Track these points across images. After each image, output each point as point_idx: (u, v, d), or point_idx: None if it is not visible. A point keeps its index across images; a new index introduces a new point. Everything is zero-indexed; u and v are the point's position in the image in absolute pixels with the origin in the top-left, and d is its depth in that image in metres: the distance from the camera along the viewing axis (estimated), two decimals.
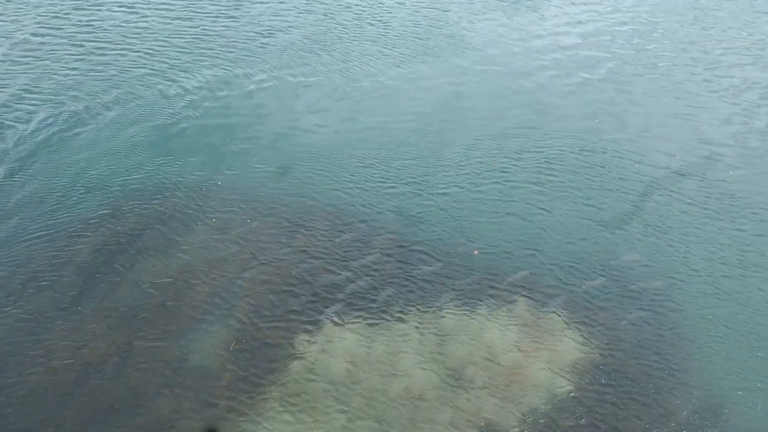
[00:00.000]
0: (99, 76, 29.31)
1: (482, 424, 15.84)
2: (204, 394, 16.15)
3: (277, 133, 26.16)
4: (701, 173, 24.94)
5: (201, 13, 36.04)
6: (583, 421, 16.02)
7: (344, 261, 20.12)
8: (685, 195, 23.63)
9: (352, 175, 23.79)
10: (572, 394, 16.60)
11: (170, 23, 34.56)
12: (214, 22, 34.91)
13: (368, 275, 19.65)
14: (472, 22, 36.13)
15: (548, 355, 17.48)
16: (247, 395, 16.19)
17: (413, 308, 18.65)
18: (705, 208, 23.02)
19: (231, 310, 18.32)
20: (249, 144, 25.40)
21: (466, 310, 18.68)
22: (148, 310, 18.20)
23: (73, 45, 31.96)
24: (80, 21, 34.49)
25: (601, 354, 17.65)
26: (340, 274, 19.65)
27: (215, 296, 18.70)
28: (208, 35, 33.39)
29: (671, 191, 23.80)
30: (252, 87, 29.06)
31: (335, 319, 18.22)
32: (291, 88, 29.21)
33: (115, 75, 29.42)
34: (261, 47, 32.41)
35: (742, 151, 26.38)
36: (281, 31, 34.10)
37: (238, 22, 35.16)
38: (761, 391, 16.96)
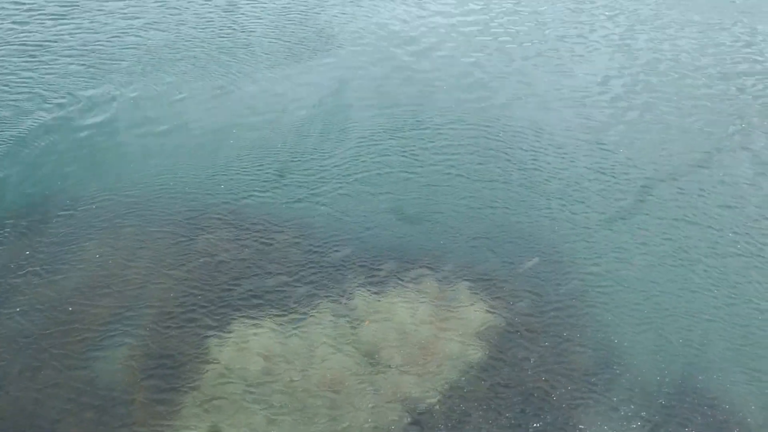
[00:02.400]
0: None
1: (403, 402, 16.18)
2: (116, 412, 15.49)
3: (158, 141, 25.08)
4: (593, 139, 26.58)
5: (42, 15, 33.68)
6: (495, 384, 16.73)
7: (247, 260, 19.88)
8: (580, 163, 25.10)
9: (243, 175, 23.44)
10: (484, 361, 17.30)
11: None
12: (60, 23, 33.01)
13: (274, 271, 19.52)
14: (349, 13, 36.39)
15: (458, 327, 18.10)
16: (162, 406, 15.70)
17: (324, 298, 18.73)
18: (602, 173, 24.58)
19: (135, 323, 17.65)
20: (133, 152, 24.37)
21: (375, 293, 18.98)
22: (44, 335, 17.19)
23: None
24: None
25: (506, 320, 18.48)
26: (245, 274, 19.39)
27: (117, 311, 17.96)
28: (55, 40, 31.41)
29: (566, 161, 25.17)
30: (118, 94, 27.69)
31: (246, 318, 17.99)
32: (161, 94, 28.05)
33: None
34: (119, 52, 30.82)
35: (628, 118, 28.28)
36: (142, 33, 32.75)
37: (87, 23, 33.25)
38: (646, 339, 18.36)
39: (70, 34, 32.08)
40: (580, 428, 15.92)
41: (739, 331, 18.63)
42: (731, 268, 20.74)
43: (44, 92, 27.21)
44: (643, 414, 16.35)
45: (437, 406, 16.13)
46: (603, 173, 24.57)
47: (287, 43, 32.57)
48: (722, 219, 22.71)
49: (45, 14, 33.73)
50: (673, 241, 21.60)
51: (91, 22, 33.31)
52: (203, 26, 33.69)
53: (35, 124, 25.29)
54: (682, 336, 18.38)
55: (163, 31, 33.02)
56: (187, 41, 32.13)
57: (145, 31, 32.76)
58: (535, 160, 25.12)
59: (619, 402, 16.56)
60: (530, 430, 15.79)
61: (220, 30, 33.43)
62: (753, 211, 23.15)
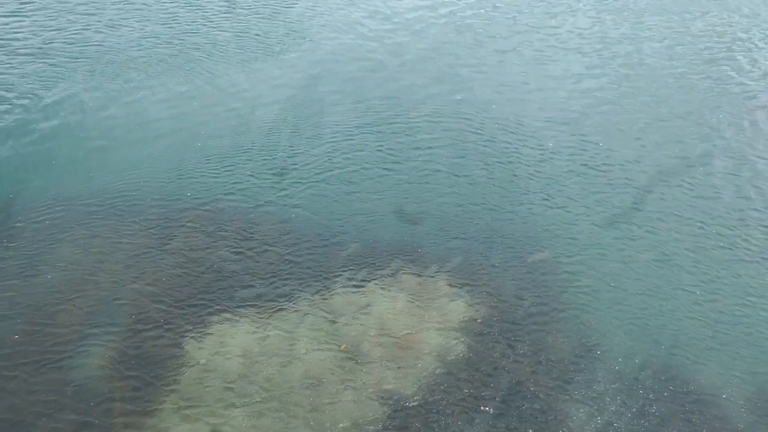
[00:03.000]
0: None
1: (384, 396, 16.17)
2: (94, 417, 15.22)
3: (126, 142, 24.58)
4: (573, 132, 26.72)
5: None
6: (475, 377, 16.79)
7: (223, 259, 19.67)
8: (560, 156, 25.18)
9: (214, 175, 23.11)
10: (465, 352, 17.36)
11: None
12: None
13: (250, 269, 19.35)
14: (320, 7, 36.15)
15: (438, 319, 18.14)
16: (140, 409, 15.46)
17: (301, 294, 18.62)
18: (583, 166, 24.70)
19: (111, 325, 17.37)
20: (101, 154, 23.85)
21: (353, 287, 18.94)
22: (17, 341, 16.80)
23: None
24: None
25: (486, 310, 18.56)
26: (220, 273, 19.19)
27: (92, 314, 17.64)
28: (13, 38, 30.40)
29: (546, 154, 25.22)
30: (81, 94, 26.99)
31: (224, 318, 17.81)
32: (125, 94, 27.38)
33: None
34: (81, 51, 29.94)
35: (606, 110, 28.47)
36: (104, 30, 31.91)
37: (46, 20, 32.15)
38: (627, 332, 18.51)
39: (29, 31, 31.34)
40: (560, 420, 16.04)
41: (719, 323, 18.78)
42: (714, 260, 20.88)
43: (3, 93, 26.57)
44: (623, 404, 16.49)
45: (417, 400, 16.14)
46: (584, 166, 24.69)
47: (256, 39, 32.25)
48: (705, 211, 22.85)
49: (1, 11, 32.96)
50: (655, 235, 21.72)
51: (51, 20, 32.49)
52: (168, 23, 33.13)
53: None
54: (663, 329, 18.52)
55: (126, 28, 32.40)
56: (151, 39, 31.58)
57: (107, 28, 32.01)
58: (515, 153, 25.16)
59: (600, 393, 16.70)
60: (510, 422, 15.88)
61: (186, 27, 32.91)
62: (736, 203, 23.35)
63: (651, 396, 16.73)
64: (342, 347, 16.73)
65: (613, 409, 16.34)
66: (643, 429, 15.95)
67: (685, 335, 18.43)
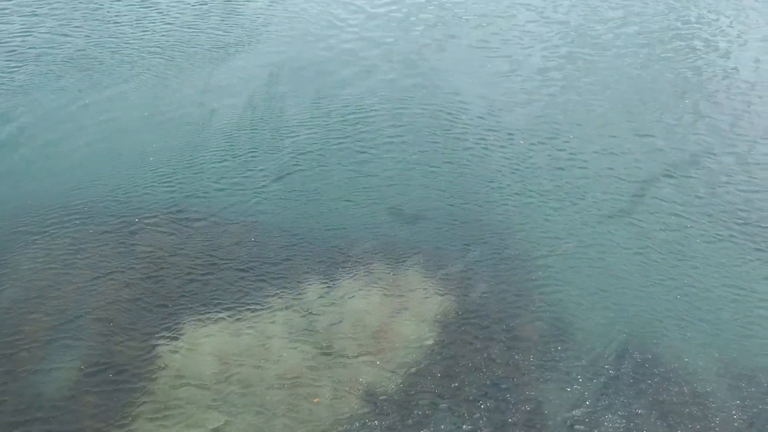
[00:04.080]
0: None
1: (362, 391, 16.16)
2: (66, 426, 14.88)
3: (83, 148, 24.11)
4: (539, 118, 26.90)
5: None
6: (452, 366, 16.90)
7: (192, 260, 19.42)
8: (527, 143, 25.37)
9: (177, 178, 22.81)
10: (440, 343, 17.45)
11: None
12: None
13: (221, 269, 19.15)
14: (271, 7, 35.88)
15: (412, 312, 18.22)
16: (114, 417, 15.15)
17: (274, 293, 18.50)
18: (552, 152, 24.87)
19: (80, 334, 16.98)
20: (60, 160, 23.35)
21: (325, 283, 18.90)
22: None
23: None
24: None
25: (459, 303, 18.65)
26: (189, 275, 18.93)
27: (59, 323, 17.21)
28: None
29: (515, 142, 25.39)
30: (29, 101, 26.36)
31: (196, 320, 17.57)
32: (77, 99, 26.83)
33: None
34: (25, 56, 29.11)
35: (572, 96, 28.71)
36: (50, 34, 31.20)
37: None
38: (599, 316, 18.75)
39: None
40: (537, 407, 16.18)
41: (690, 305, 18.92)
42: (683, 245, 21.03)
43: None
44: (599, 390, 16.59)
45: (395, 392, 16.18)
46: (555, 155, 24.89)
47: (209, 38, 31.80)
48: (680, 197, 23.01)
49: None
50: (630, 224, 21.81)
51: None
52: (115, 25, 32.42)
53: None
54: (639, 318, 18.62)
55: (72, 29, 31.61)
56: (104, 41, 30.90)
57: (51, 32, 31.08)
58: (484, 144, 25.23)
59: (577, 381, 16.83)
60: (487, 411, 16.02)
61: (137, 28, 32.26)
62: (711, 187, 23.55)
63: (627, 383, 16.84)
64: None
65: (589, 395, 16.49)
66: (618, 413, 16.21)
67: (662, 324, 18.45)
